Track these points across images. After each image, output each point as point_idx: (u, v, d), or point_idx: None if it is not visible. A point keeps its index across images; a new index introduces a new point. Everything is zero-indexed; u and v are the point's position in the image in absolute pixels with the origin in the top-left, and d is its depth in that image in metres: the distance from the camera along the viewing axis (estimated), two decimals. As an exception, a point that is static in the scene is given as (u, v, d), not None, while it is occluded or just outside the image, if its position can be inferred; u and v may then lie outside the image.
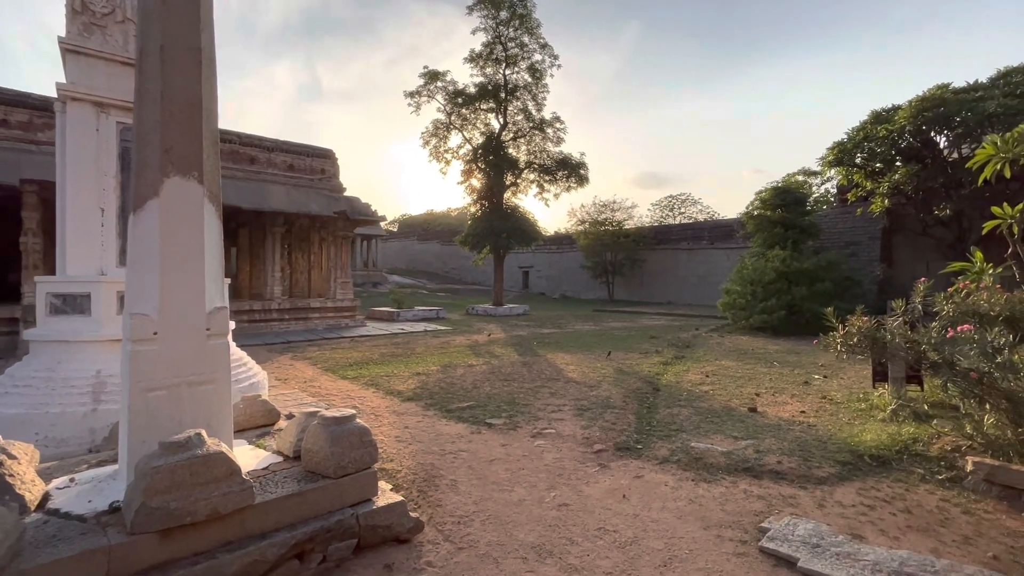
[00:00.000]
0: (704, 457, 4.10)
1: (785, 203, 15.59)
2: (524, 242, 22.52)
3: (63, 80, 4.86)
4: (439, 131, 22.49)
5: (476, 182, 22.81)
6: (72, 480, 2.85)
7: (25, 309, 10.13)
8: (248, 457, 3.16)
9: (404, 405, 6.02)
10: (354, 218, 15.79)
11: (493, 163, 21.61)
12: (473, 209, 23.41)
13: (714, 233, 29.37)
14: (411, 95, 22.02)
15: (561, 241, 38.00)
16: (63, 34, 4.84)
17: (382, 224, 41.99)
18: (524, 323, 17.34)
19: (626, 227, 31.94)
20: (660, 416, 5.47)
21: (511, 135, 22.74)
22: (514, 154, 22.79)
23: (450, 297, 30.61)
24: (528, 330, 14.90)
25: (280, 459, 3.12)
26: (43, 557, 1.96)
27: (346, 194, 16.62)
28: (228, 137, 14.49)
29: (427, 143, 22.60)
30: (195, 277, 2.79)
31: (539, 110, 22.58)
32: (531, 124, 22.55)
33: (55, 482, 2.81)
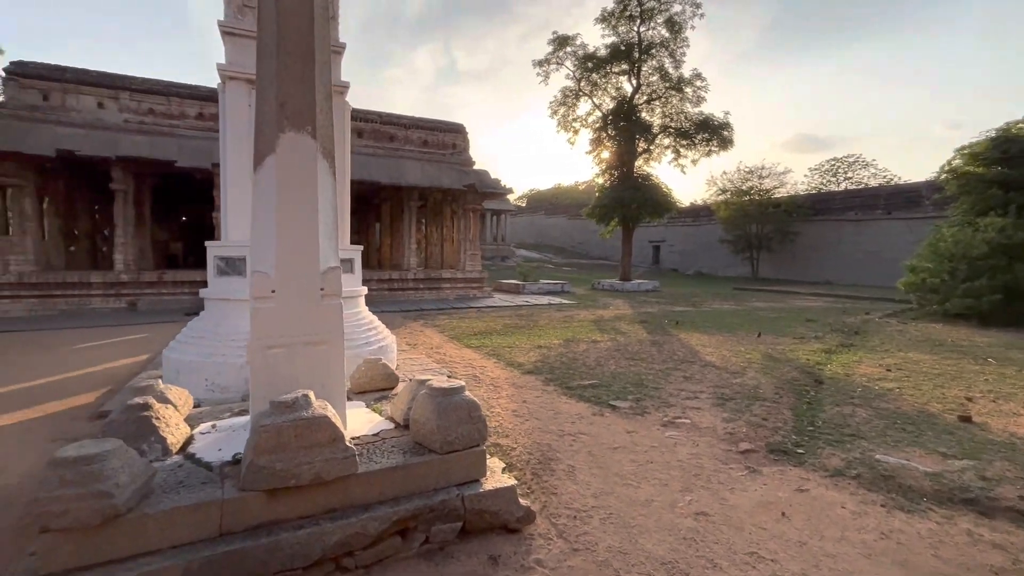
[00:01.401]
0: (897, 476, 3.16)
1: (1008, 156, 12.14)
2: (656, 213, 21.02)
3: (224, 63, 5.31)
4: (567, 99, 21.74)
5: (605, 151, 21.72)
6: (214, 427, 3.05)
7: (216, 274, 12.05)
8: (362, 421, 3.11)
9: (524, 378, 5.79)
10: (483, 191, 16.00)
11: (624, 129, 20.33)
12: (601, 180, 22.42)
13: (892, 200, 24.56)
14: (540, 64, 21.52)
15: (697, 213, 35.01)
16: (223, 18, 5.26)
17: (510, 198, 42.76)
18: (653, 300, 16.24)
19: (776, 196, 28.19)
20: (827, 415, 4.47)
21: (644, 98, 21.13)
22: (647, 118, 21.19)
23: (576, 271, 30.16)
24: (658, 307, 13.87)
25: (391, 426, 3.02)
26: (164, 504, 2.00)
27: (475, 168, 16.90)
28: (370, 117, 15.51)
29: (555, 112, 22.02)
30: (309, 235, 2.72)
31: (677, 68, 20.59)
32: (667, 84, 20.67)
33: (200, 427, 3.02)
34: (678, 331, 9.42)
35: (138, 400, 2.63)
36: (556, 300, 15.60)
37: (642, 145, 21.06)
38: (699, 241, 34.20)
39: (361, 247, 6.22)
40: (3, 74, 11.79)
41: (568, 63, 21.40)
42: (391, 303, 13.94)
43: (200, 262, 18.66)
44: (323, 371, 2.74)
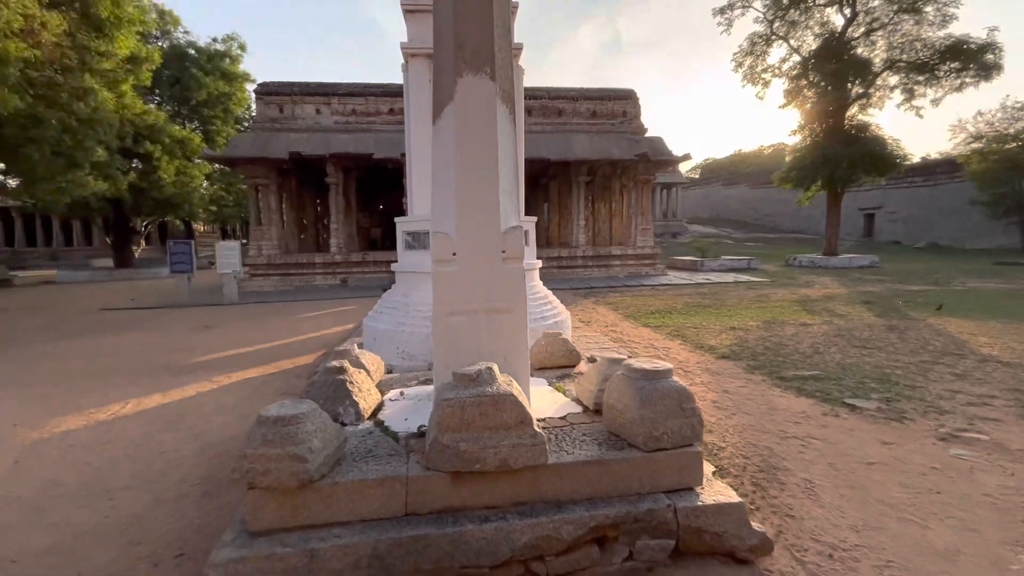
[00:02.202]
0: None
1: None
2: (876, 171, 17.12)
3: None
4: (756, 46, 18.81)
5: (805, 101, 18.30)
6: (402, 394, 3.03)
7: (405, 254, 13.32)
8: (545, 400, 2.78)
9: (719, 363, 4.95)
10: (656, 159, 14.77)
11: (832, 72, 16.82)
12: (799, 137, 19.03)
13: None
14: (721, 12, 18.95)
15: (932, 169, 27.81)
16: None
17: (682, 169, 39.45)
18: (872, 277, 13.24)
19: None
20: None
21: (862, 29, 17.17)
22: (864, 54, 17.20)
23: (762, 247, 26.56)
24: (882, 286, 11.19)
25: (579, 409, 2.62)
26: (353, 474, 1.90)
27: (647, 136, 15.69)
28: (538, 94, 15.40)
29: (740, 64, 19.27)
30: (488, 190, 2.43)
31: (912, -18, 16.17)
32: (896, 7, 16.40)
33: (390, 393, 3.03)
34: (923, 315, 7.31)
35: (335, 363, 2.67)
36: (743, 278, 13.73)
37: (857, 89, 17.21)
38: (935, 205, 27.15)
39: (535, 218, 5.99)
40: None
41: (757, 3, 18.44)
42: (559, 281, 13.81)
43: (394, 245, 20.94)
44: (506, 342, 2.45)
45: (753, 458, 2.85)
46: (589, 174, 15.80)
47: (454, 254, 2.47)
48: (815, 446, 2.99)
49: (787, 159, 19.07)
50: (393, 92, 14.63)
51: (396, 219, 5.72)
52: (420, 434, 2.31)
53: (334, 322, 8.28)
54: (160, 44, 21.02)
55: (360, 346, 5.62)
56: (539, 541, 1.84)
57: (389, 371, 3.97)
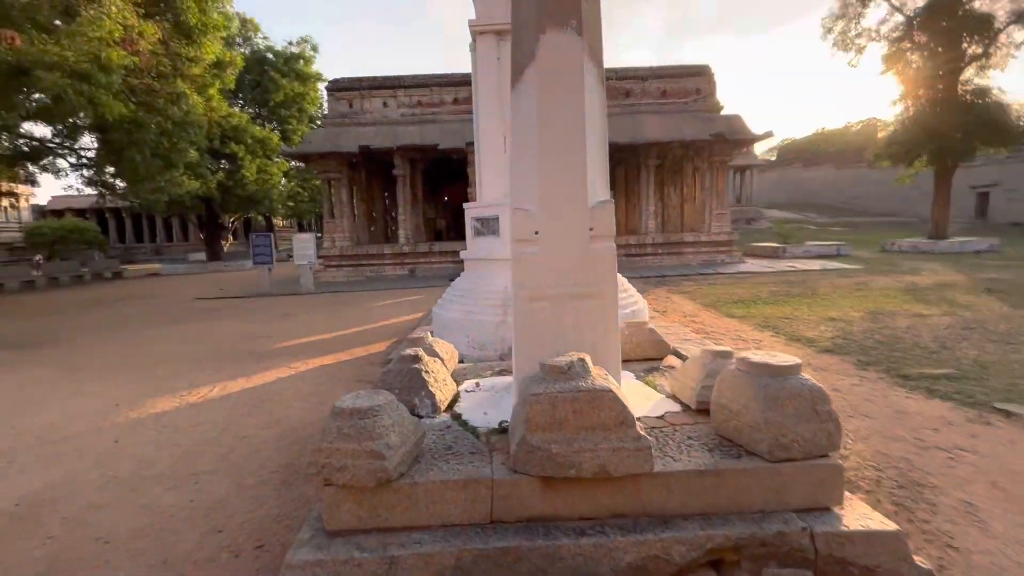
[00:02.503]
0: None
1: None
2: (997, 142, 14.99)
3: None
4: (849, 8, 16.96)
5: (908, 66, 16.31)
6: (477, 385, 2.85)
7: (471, 243, 13.30)
8: (637, 396, 2.49)
9: (822, 358, 4.39)
10: (733, 138, 13.74)
11: (943, 30, 14.83)
12: (900, 107, 17.04)
13: None
14: (808, -28, 17.22)
15: (1068, 138, 23.97)
16: (471, -25, 5.19)
17: (757, 153, 36.84)
18: (994, 262, 11.60)
19: None
20: None
21: (982, -22, 14.97)
22: (983, 8, 15.02)
23: (850, 232, 24.27)
24: (1010, 272, 9.74)
25: (677, 408, 2.31)
26: (434, 473, 1.72)
27: (723, 114, 14.64)
28: (606, 75, 14.77)
29: (829, 30, 17.49)
30: (574, 159, 2.16)
31: (1050, -83, 13.86)
32: (1026, -51, 14.14)
33: (465, 384, 2.86)
34: (1073, 305, 6.20)
35: (410, 351, 2.53)
36: (832, 264, 12.50)
37: (974, 48, 15.08)
38: (1069, 180, 23.51)
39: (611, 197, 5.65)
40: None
41: (852, -40, 16.58)
42: (629, 269, 13.24)
43: (459, 235, 21.18)
44: (595, 331, 2.19)
45: (887, 471, 2.41)
46: (659, 157, 15.00)
47: (536, 233, 2.23)
48: (967, 460, 2.49)
49: (879, 135, 17.13)
50: (456, 82, 14.60)
51: (465, 205, 5.58)
52: (502, 430, 2.11)
53: (403, 311, 8.36)
54: (242, 50, 22.34)
55: (431, 334, 5.57)
56: (646, 562, 1.58)
57: (460, 361, 3.82)
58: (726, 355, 2.17)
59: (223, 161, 20.28)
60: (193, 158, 13.85)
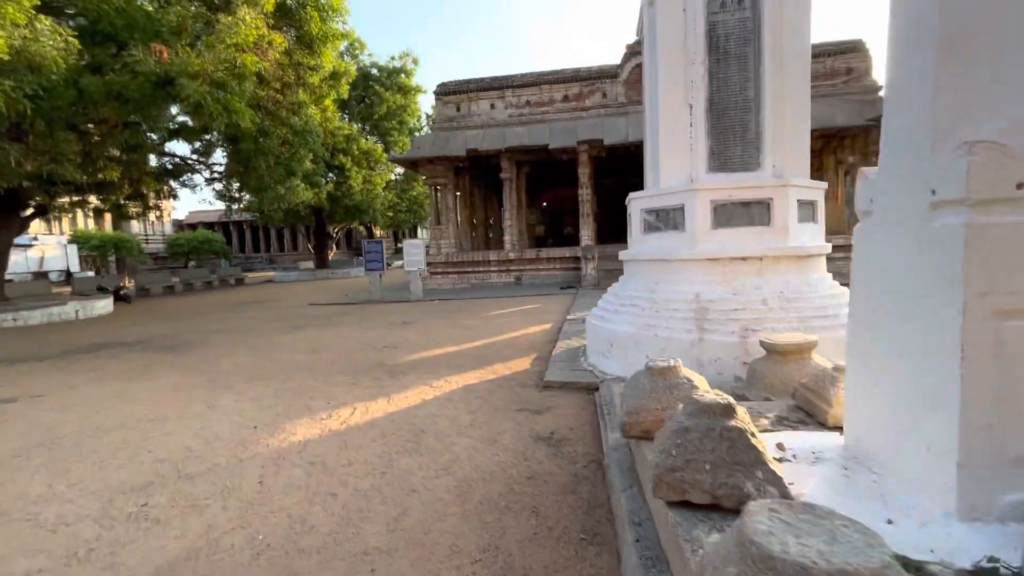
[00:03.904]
0: None
1: None
2: None
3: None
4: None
5: None
6: (779, 447, 1.82)
7: (584, 249, 12.29)
8: None
9: None
10: (898, 123, 11.53)
11: None
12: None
13: None
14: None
15: None
16: (648, -88, 4.24)
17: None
18: None
19: None
20: None
21: None
22: None
23: None
24: None
25: None
26: None
27: (882, 94, 12.43)
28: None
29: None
30: None
31: None
32: None
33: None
34: None
35: (709, 400, 1.55)
36: None
37: None
38: None
39: (826, 184, 4.39)
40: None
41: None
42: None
43: (558, 242, 20.26)
44: None
45: None
46: (798, 149, 13.06)
47: (1020, 187, 1.17)
48: None
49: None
50: (567, 78, 13.77)
51: (631, 195, 4.59)
52: (990, 572, 1.05)
53: (526, 322, 7.53)
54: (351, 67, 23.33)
55: (583, 351, 4.54)
56: None
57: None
58: None
59: (332, 173, 21.11)
60: (308, 168, 14.26)
